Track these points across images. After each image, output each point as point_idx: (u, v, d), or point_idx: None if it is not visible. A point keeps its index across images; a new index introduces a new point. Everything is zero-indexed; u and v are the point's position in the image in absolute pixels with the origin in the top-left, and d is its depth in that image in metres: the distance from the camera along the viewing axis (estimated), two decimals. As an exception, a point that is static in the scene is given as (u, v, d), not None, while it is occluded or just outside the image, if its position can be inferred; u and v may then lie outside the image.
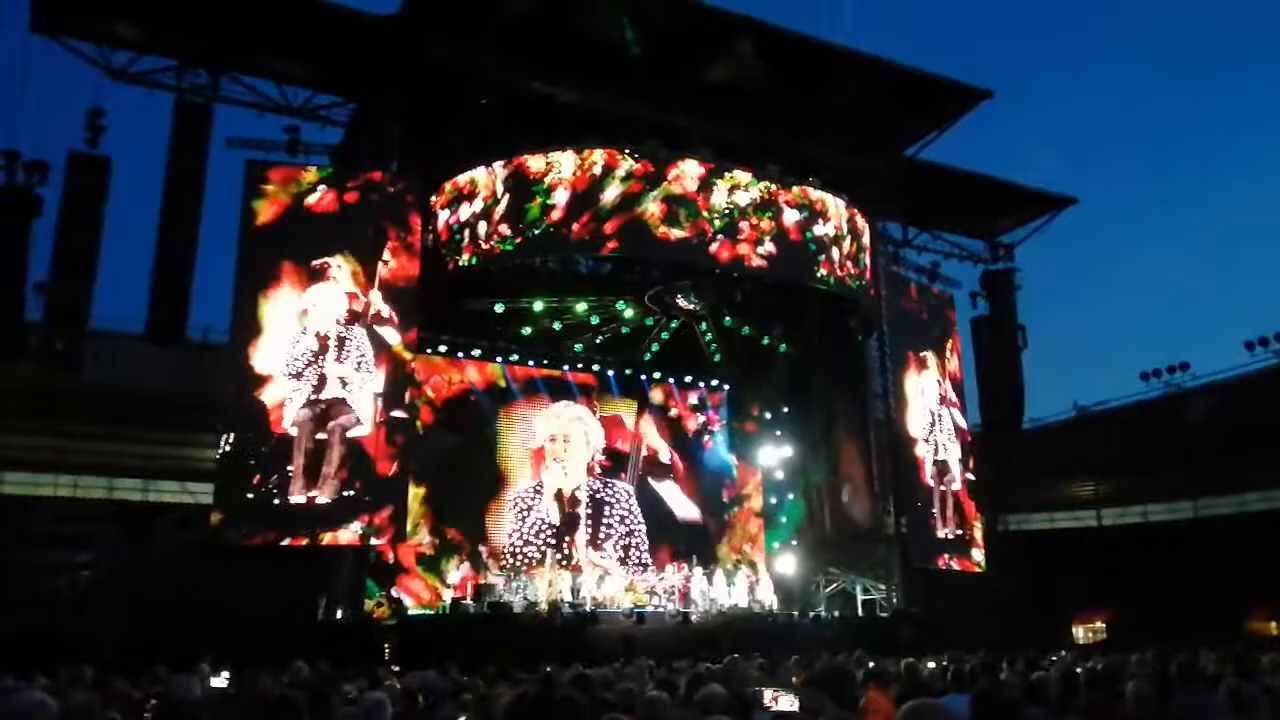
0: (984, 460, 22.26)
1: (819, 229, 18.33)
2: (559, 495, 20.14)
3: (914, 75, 18.69)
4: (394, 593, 17.34)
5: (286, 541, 14.56)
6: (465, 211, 17.11)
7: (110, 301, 15.97)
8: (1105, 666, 7.13)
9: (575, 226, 16.48)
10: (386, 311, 15.83)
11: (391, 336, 15.80)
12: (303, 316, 15.28)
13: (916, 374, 20.72)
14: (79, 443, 18.37)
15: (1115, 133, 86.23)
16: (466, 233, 16.99)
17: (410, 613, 17.16)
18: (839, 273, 18.58)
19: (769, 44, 17.37)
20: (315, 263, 15.52)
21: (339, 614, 15.32)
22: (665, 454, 22.07)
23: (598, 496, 20.49)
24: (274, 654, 8.89)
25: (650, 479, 21.65)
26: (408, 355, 16.05)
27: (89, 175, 14.95)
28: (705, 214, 17.15)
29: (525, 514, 19.76)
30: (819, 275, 18.27)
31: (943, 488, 20.40)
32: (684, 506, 22.00)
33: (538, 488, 20.10)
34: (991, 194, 21.81)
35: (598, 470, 20.90)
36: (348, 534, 14.86)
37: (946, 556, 20.03)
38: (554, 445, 20.61)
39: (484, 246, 16.75)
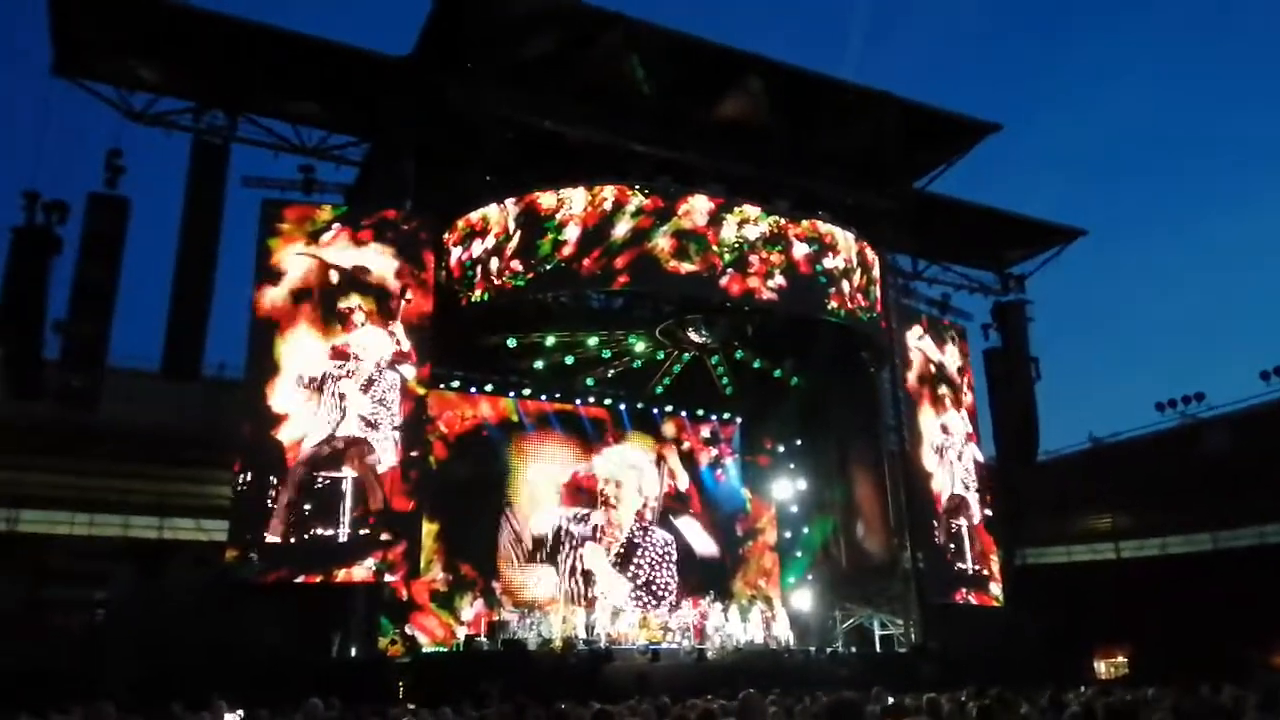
0: (1000, 493, 22.13)
1: (829, 262, 18.38)
2: (598, 532, 20.44)
3: (921, 110, 18.84)
4: (408, 630, 17.32)
5: (300, 579, 14.54)
6: (478, 248, 17.25)
7: (127, 339, 16.09)
8: (1126, 702, 7.00)
9: (586, 262, 16.58)
10: (406, 348, 16.00)
11: (409, 373, 15.94)
12: (335, 359, 15.43)
13: (930, 407, 20.66)
14: (95, 480, 18.46)
15: (1127, 162, 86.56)
16: (479, 269, 17.12)
17: (424, 650, 17.12)
18: (850, 305, 18.61)
19: (777, 81, 17.55)
20: (342, 305, 15.76)
21: (353, 651, 15.26)
22: (683, 484, 22.19)
23: (634, 541, 20.65)
24: (288, 692, 8.83)
25: (670, 515, 21.76)
26: (421, 391, 16.15)
27: (108, 215, 15.14)
28: (715, 248, 17.23)
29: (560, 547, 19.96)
30: (830, 308, 18.30)
31: (959, 521, 20.26)
32: (703, 542, 22.01)
33: (582, 520, 20.35)
34: (1000, 226, 21.85)
35: (648, 517, 21.06)
36: (362, 571, 14.83)
37: (964, 591, 19.85)
38: (608, 488, 20.94)
39: (496, 282, 16.87)
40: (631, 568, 20.40)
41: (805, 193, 18.83)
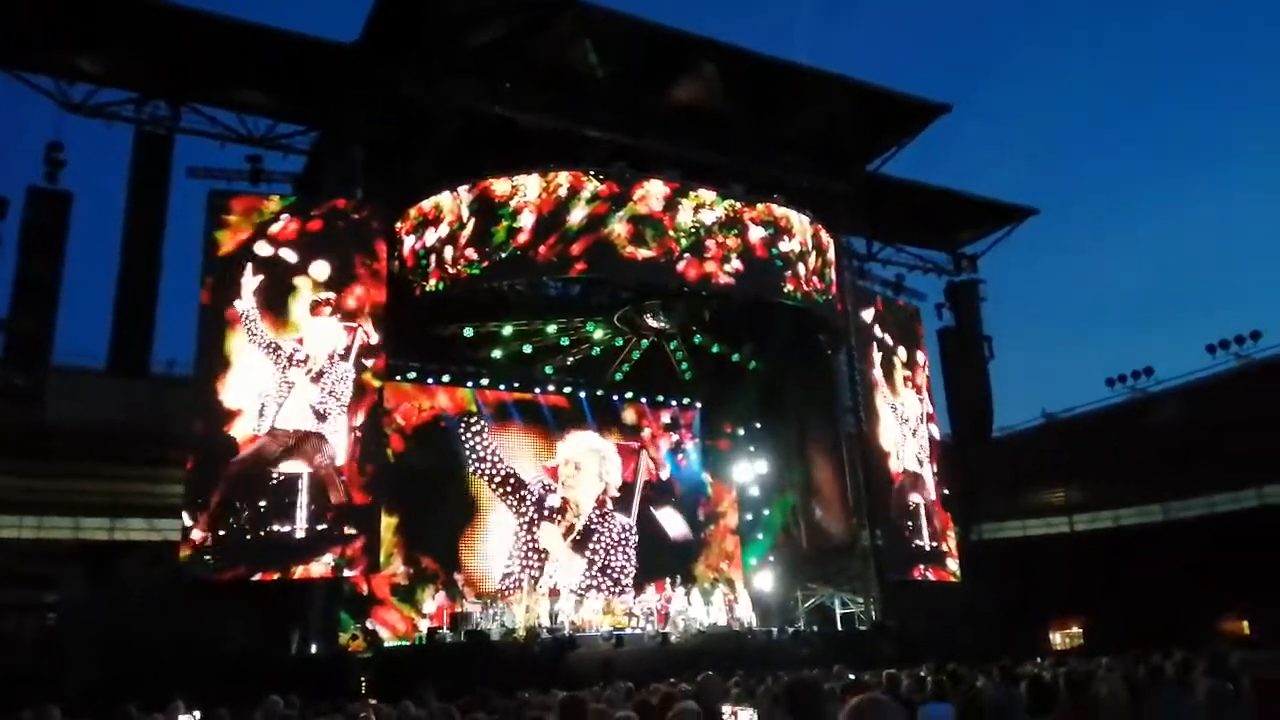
0: (956, 470, 22.42)
1: (784, 245, 18.46)
2: (552, 516, 20.37)
3: (874, 92, 18.97)
4: (369, 625, 17.17)
5: (258, 577, 14.41)
6: (431, 237, 17.10)
7: (73, 336, 15.84)
8: (1078, 672, 7.17)
9: (542, 249, 16.50)
10: (359, 340, 15.83)
11: (363, 365, 15.82)
12: (286, 351, 15.25)
13: (886, 387, 20.86)
14: (43, 481, 18.10)
15: (1077, 142, 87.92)
16: (433, 258, 16.99)
17: (386, 644, 17.06)
18: (806, 288, 18.71)
19: (731, 66, 17.56)
20: (293, 298, 15.55)
21: (314, 648, 15.18)
22: (666, 473, 22.44)
23: (591, 527, 20.65)
24: (247, 691, 8.77)
25: (650, 505, 21.92)
26: (377, 383, 16.02)
27: (48, 209, 14.85)
28: (672, 233, 17.23)
29: (521, 533, 19.97)
30: (786, 291, 18.38)
31: (916, 499, 20.53)
32: (675, 526, 22.21)
33: (539, 508, 20.32)
34: (953, 206, 22.06)
35: (609, 505, 21.08)
36: (320, 566, 14.74)
37: (922, 567, 20.13)
38: (566, 469, 20.86)
39: (451, 271, 16.75)
40: (587, 551, 20.45)
41: (762, 176, 18.88)
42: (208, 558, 14.20)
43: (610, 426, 22.12)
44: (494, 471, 20.21)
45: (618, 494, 21.37)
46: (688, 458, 23.22)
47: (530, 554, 19.86)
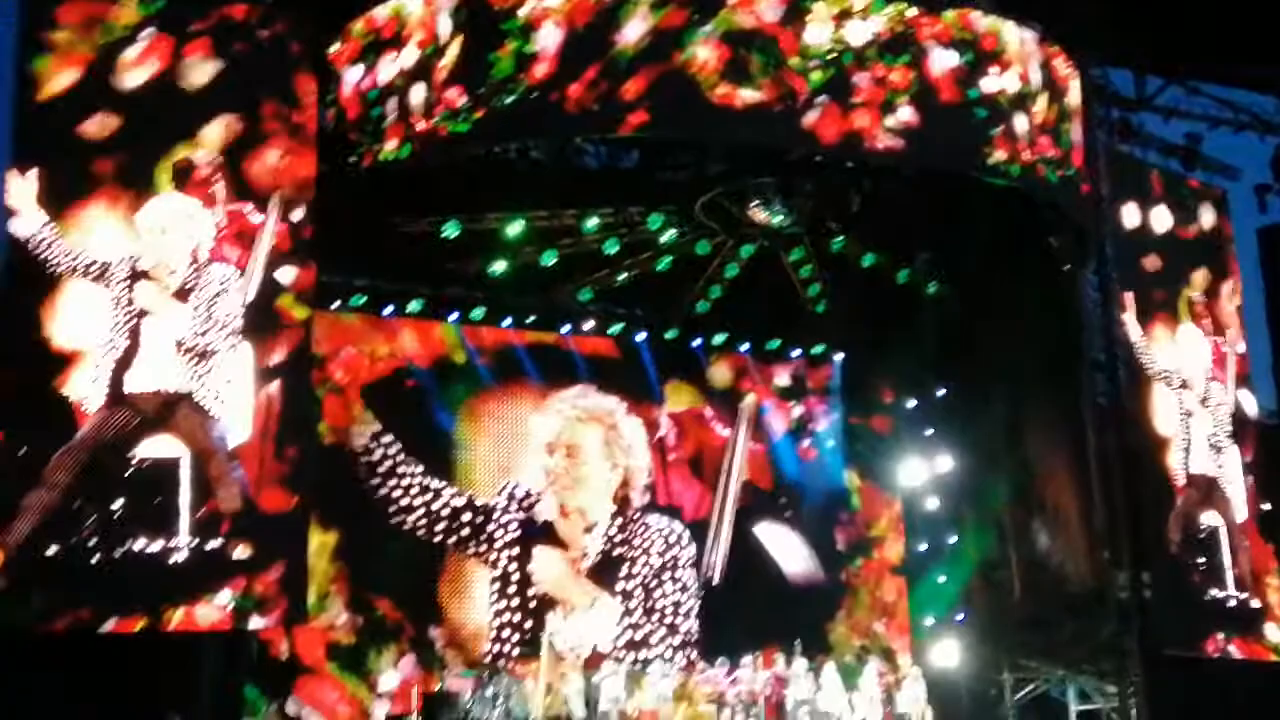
0: None
1: (991, 83, 17.83)
2: (552, 536, 20.57)
3: None
4: (291, 707, 17.65)
5: (110, 626, 14.29)
6: (389, 69, 16.98)
7: None
8: None
9: (574, 88, 16.07)
10: (268, 240, 15.73)
11: (279, 278, 15.73)
12: (131, 251, 15.10)
13: (1166, 330, 20.42)
14: None
15: None
16: (392, 103, 16.85)
17: None
18: (1027, 156, 18.07)
19: None
20: (160, 165, 15.35)
21: None
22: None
23: (612, 550, 20.84)
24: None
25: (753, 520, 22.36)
26: (300, 312, 15.94)
27: None
28: (796, 61, 16.65)
29: (500, 575, 20.23)
30: (992, 161, 17.74)
31: (1212, 520, 20.17)
32: (794, 558, 22.50)
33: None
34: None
35: (635, 503, 21.31)
36: (211, 610, 14.62)
37: (1221, 637, 19.74)
38: (551, 460, 20.87)
39: (421, 126, 16.56)
40: (617, 589, 20.65)
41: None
42: (27, 593, 14.06)
43: (684, 388, 22.28)
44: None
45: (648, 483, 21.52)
46: (818, 445, 23.43)
47: (522, 599, 20.17)
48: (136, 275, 15.15)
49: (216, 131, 15.69)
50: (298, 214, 15.91)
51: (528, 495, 20.69)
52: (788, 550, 22.42)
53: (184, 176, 15.49)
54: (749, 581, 21.68)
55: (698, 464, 22.46)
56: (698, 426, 22.55)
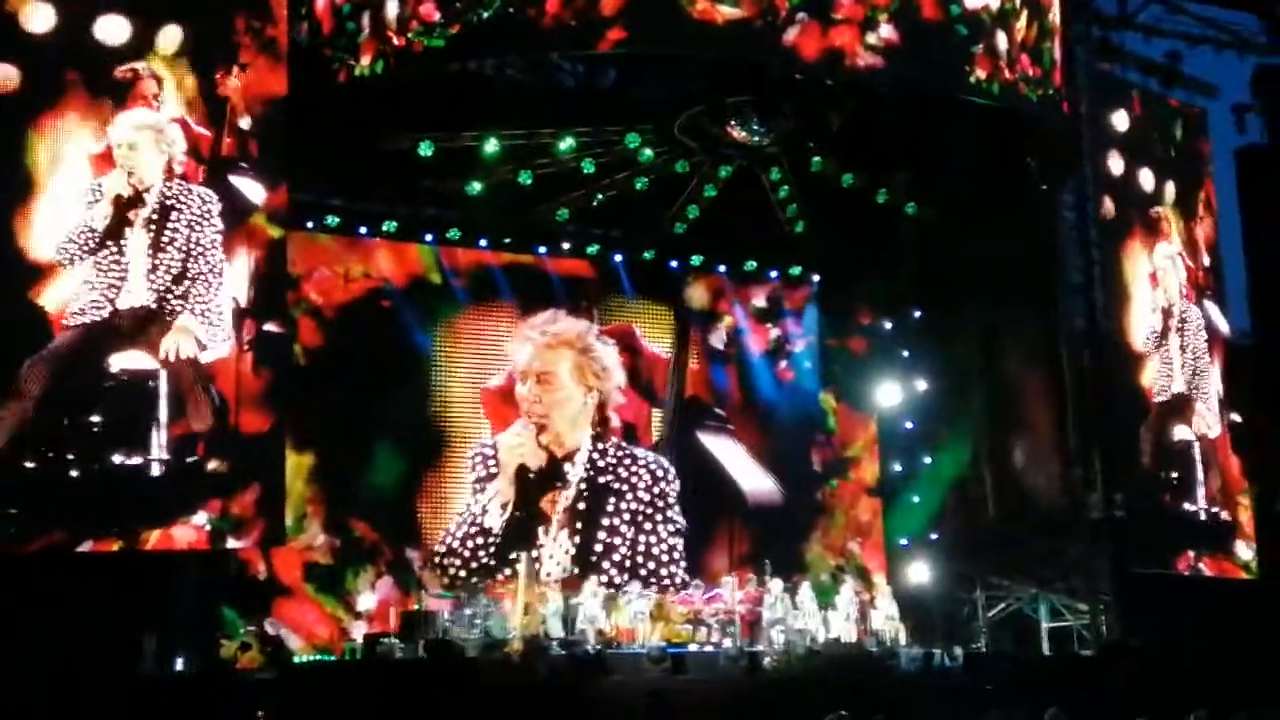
0: (1258, 389, 22.21)
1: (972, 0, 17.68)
2: (523, 472, 20.42)
3: None
4: (269, 627, 17.54)
5: (86, 546, 14.39)
6: None
7: None
8: None
9: (551, 3, 15.87)
10: (239, 155, 15.69)
11: (250, 196, 15.65)
12: (100, 164, 14.97)
13: (1143, 247, 20.56)
14: None
15: None
16: (365, 18, 16.64)
17: (297, 659, 17.55)
18: (1007, 74, 17.99)
19: None
20: (121, 70, 15.16)
21: (178, 665, 15.54)
22: (721, 380, 22.56)
23: (598, 478, 20.76)
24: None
25: (700, 433, 22.07)
26: (274, 231, 15.95)
27: None
28: (776, -22, 16.91)
29: (476, 498, 20.20)
30: (973, 79, 17.66)
31: (1185, 435, 20.44)
32: (753, 478, 22.31)
33: (490, 455, 20.44)
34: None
35: (614, 422, 21.30)
36: (187, 531, 14.75)
37: (1192, 554, 20.10)
38: (524, 388, 20.80)
39: (397, 42, 16.41)
40: (602, 528, 20.59)
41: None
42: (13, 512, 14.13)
43: (663, 308, 22.26)
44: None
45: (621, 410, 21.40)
46: (794, 366, 23.32)
47: (502, 525, 20.07)
48: (111, 189, 14.99)
49: (176, 40, 15.46)
50: (268, 129, 15.79)
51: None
52: (754, 473, 22.29)
53: (129, 89, 15.23)
54: (721, 503, 21.68)
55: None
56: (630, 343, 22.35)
